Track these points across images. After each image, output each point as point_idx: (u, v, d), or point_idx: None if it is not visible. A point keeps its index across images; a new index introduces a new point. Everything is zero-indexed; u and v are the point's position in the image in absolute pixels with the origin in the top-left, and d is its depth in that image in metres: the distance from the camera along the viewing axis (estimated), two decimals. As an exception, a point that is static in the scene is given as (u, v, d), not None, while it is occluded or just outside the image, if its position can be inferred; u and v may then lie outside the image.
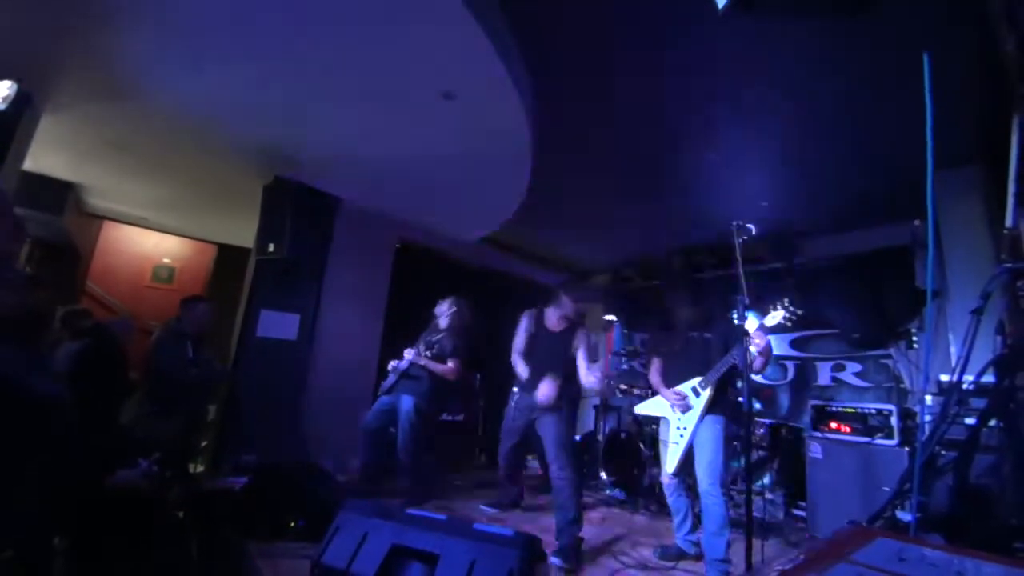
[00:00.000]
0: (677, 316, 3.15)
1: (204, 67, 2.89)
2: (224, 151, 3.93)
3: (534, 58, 3.00)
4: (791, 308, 2.70)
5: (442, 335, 3.76)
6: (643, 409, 3.23)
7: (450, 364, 3.70)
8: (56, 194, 4.57)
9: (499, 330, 3.55)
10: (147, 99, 3.22)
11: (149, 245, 6.43)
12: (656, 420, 3.13)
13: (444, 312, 3.84)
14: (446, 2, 2.31)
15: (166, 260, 6.55)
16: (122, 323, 3.55)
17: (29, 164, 3.59)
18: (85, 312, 3.65)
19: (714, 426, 2.80)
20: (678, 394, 2.92)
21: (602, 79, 3.12)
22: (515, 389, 3.19)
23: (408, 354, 3.69)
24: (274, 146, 3.83)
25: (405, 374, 3.70)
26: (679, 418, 2.92)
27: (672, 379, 3.04)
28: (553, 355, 3.10)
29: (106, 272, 6.03)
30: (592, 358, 3.11)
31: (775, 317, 2.75)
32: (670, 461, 2.90)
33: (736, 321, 2.54)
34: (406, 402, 3.66)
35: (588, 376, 3.03)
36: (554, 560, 2.58)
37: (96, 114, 3.44)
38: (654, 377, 3.16)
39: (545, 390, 2.90)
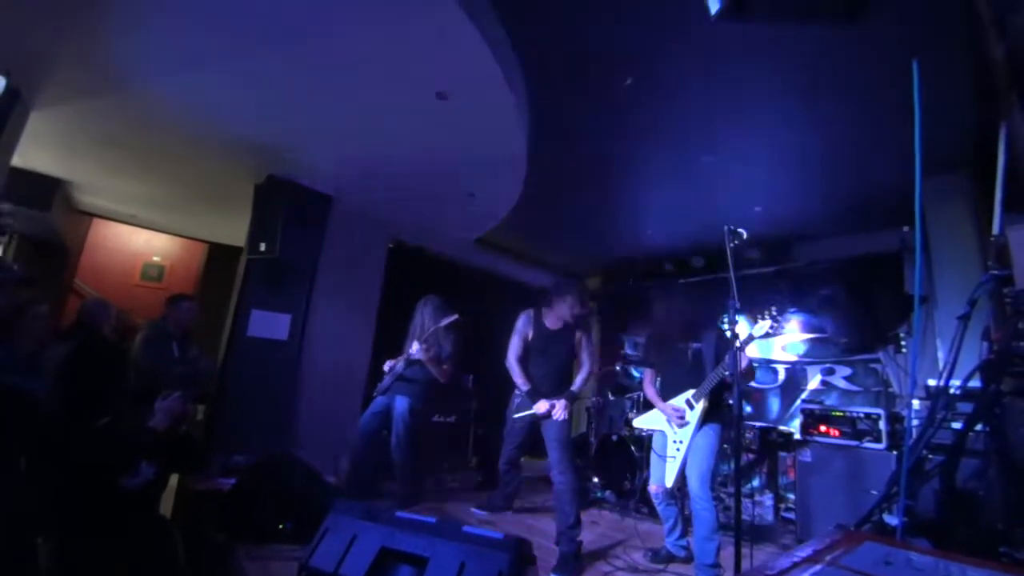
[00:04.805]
0: (668, 324, 3.14)
1: (196, 65, 2.85)
2: (216, 149, 3.89)
3: (528, 57, 3.00)
4: (778, 318, 2.73)
5: (439, 336, 3.72)
6: (640, 423, 3.22)
7: (445, 367, 3.71)
8: (45, 190, 4.49)
9: (492, 331, 3.54)
10: (138, 96, 3.18)
11: (139, 243, 6.36)
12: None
13: (439, 316, 3.78)
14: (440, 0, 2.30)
15: (156, 258, 6.48)
16: (96, 303, 3.48)
17: (18, 160, 3.54)
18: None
19: (709, 434, 2.81)
20: (677, 410, 2.89)
21: (597, 79, 3.12)
22: (517, 391, 3.16)
23: (414, 348, 3.63)
24: (266, 145, 3.80)
25: (401, 376, 3.69)
26: (675, 431, 2.91)
27: (665, 391, 3.03)
28: (555, 357, 3.09)
29: (95, 270, 5.96)
30: (589, 360, 3.15)
31: (763, 327, 2.78)
32: (668, 475, 2.88)
33: (727, 326, 2.54)
34: (401, 403, 3.64)
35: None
36: None
37: (86, 110, 3.40)
38: (649, 389, 3.13)
39: (559, 413, 2.93)
